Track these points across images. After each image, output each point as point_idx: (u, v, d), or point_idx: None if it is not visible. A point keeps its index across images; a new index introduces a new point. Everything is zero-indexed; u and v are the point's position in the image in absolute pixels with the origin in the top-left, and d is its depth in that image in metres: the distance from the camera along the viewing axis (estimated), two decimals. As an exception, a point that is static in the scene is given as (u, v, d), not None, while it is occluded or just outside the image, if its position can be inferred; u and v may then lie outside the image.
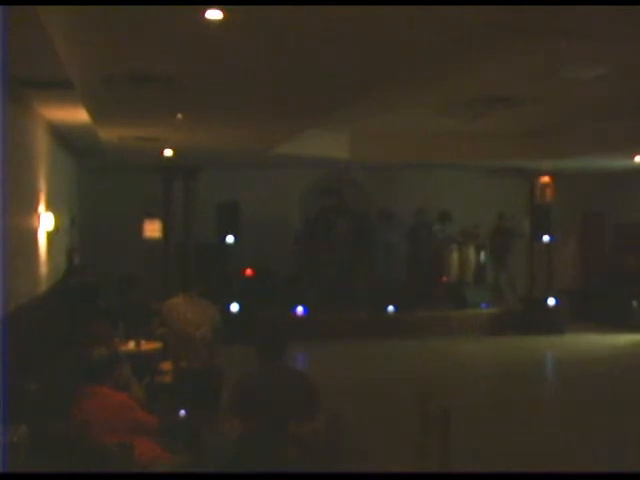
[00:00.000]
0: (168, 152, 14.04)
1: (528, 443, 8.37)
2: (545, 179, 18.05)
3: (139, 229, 16.85)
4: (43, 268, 10.14)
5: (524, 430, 8.97)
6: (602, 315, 16.29)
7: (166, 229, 16.95)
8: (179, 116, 10.24)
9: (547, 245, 17.17)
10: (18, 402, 5.11)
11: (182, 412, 7.40)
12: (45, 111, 9.27)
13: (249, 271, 16.07)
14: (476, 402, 10.10)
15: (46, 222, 9.81)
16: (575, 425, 9.27)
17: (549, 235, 16.71)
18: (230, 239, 15.85)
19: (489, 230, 16.96)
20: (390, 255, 16.50)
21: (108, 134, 11.71)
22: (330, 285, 15.80)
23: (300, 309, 15.23)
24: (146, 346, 9.14)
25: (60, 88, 7.44)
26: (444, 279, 16.84)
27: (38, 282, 9.77)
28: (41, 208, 9.81)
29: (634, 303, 16.22)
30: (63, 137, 11.79)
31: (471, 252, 16.93)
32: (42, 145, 10.23)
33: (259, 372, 6.22)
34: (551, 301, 16.17)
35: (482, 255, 17.11)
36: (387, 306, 15.68)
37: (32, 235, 9.30)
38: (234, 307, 14.79)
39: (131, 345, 9.08)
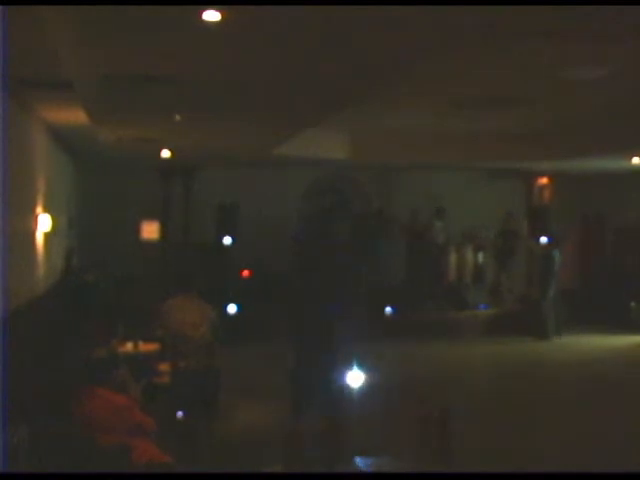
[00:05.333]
0: (166, 153, 14.03)
1: (528, 443, 8.36)
2: (544, 180, 18.05)
3: (137, 230, 16.84)
4: (41, 269, 10.13)
5: (524, 430, 8.96)
6: (602, 315, 16.28)
7: (164, 230, 16.94)
8: (178, 117, 10.22)
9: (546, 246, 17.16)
10: (17, 402, 5.09)
11: (180, 412, 7.41)
12: (44, 111, 9.25)
13: (247, 272, 16.05)
14: (475, 403, 10.08)
15: (44, 223, 9.79)
16: (574, 425, 9.25)
17: (548, 236, 16.69)
18: (228, 240, 15.83)
19: (495, 230, 16.96)
20: (390, 256, 16.51)
21: (106, 135, 11.70)
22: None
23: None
24: (144, 347, 9.13)
25: (59, 88, 7.43)
26: (443, 280, 16.84)
27: (37, 283, 9.75)
28: (39, 209, 9.79)
29: (633, 304, 16.22)
30: (61, 137, 11.77)
31: (470, 253, 16.95)
32: (40, 145, 10.21)
33: None
34: (551, 301, 16.18)
35: (481, 256, 17.12)
36: (386, 307, 15.66)
37: (30, 236, 9.29)
38: (232, 308, 14.77)
39: (129, 346, 9.06)
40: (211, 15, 5.41)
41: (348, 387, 8.13)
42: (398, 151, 14.61)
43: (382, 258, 16.48)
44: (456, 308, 16.25)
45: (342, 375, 7.97)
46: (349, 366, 8.05)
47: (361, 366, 8.20)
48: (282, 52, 6.78)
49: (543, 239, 16.52)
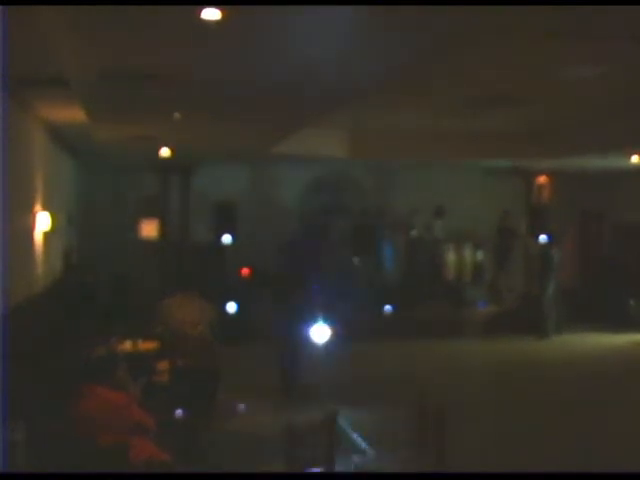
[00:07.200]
0: (165, 151, 14.02)
1: (526, 442, 8.36)
2: (543, 178, 18.05)
3: (136, 228, 16.83)
4: (41, 268, 10.12)
5: (522, 429, 8.96)
6: (601, 314, 16.29)
7: (163, 229, 16.94)
8: (177, 115, 10.21)
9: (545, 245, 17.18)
10: (16, 401, 5.09)
11: (179, 411, 7.40)
12: (43, 110, 9.24)
13: (246, 270, 16.04)
14: (474, 401, 10.09)
15: (43, 221, 9.79)
16: (573, 425, 9.26)
17: (547, 235, 16.70)
18: (227, 238, 15.83)
19: (493, 228, 16.97)
20: (389, 254, 16.51)
21: (105, 133, 11.68)
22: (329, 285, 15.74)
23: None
24: (143, 345, 9.12)
25: (58, 87, 7.42)
26: (442, 278, 16.85)
27: (36, 281, 9.75)
28: (38, 207, 9.79)
29: (632, 302, 16.24)
30: (60, 136, 11.75)
31: (469, 251, 16.97)
32: (39, 144, 10.20)
33: None
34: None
35: (480, 254, 17.14)
36: (385, 305, 15.66)
37: (29, 235, 9.28)
38: (231, 307, 14.76)
39: (128, 344, 9.05)
40: (210, 14, 5.40)
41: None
42: (398, 150, 14.60)
43: (381, 256, 16.49)
44: (455, 306, 16.26)
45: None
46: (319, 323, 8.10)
47: (327, 321, 8.23)
48: (282, 51, 6.78)
49: (542, 237, 16.53)
